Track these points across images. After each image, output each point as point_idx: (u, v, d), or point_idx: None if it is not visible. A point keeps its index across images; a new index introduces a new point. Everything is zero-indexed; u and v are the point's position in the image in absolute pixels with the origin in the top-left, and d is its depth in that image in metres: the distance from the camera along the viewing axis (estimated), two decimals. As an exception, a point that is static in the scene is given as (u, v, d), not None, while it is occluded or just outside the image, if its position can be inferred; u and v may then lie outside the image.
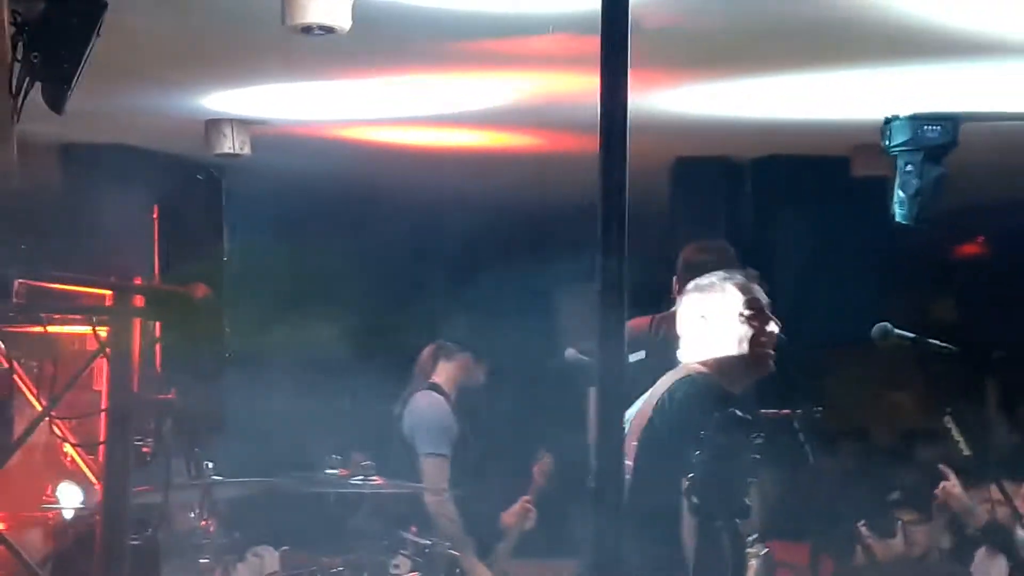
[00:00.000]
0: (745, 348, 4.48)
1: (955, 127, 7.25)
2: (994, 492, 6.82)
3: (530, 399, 7.65)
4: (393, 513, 7.38)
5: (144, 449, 6.47)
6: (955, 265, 10.46)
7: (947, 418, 6.52)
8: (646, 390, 4.55)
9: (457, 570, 7.17)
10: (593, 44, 2.49)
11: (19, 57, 4.42)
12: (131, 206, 7.57)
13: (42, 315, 4.93)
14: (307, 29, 5.06)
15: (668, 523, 4.22)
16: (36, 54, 4.45)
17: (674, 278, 6.17)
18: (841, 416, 7.32)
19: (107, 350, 4.62)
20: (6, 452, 4.82)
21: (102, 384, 5.56)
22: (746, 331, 4.47)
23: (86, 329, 5.12)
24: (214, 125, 7.59)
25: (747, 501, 4.26)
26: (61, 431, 5.49)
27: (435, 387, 7.53)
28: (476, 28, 5.73)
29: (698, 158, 8.49)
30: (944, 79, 6.57)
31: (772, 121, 7.58)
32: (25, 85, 4.44)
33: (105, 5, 4.59)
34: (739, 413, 4.27)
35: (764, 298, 4.55)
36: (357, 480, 6.80)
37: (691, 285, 4.70)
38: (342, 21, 5.04)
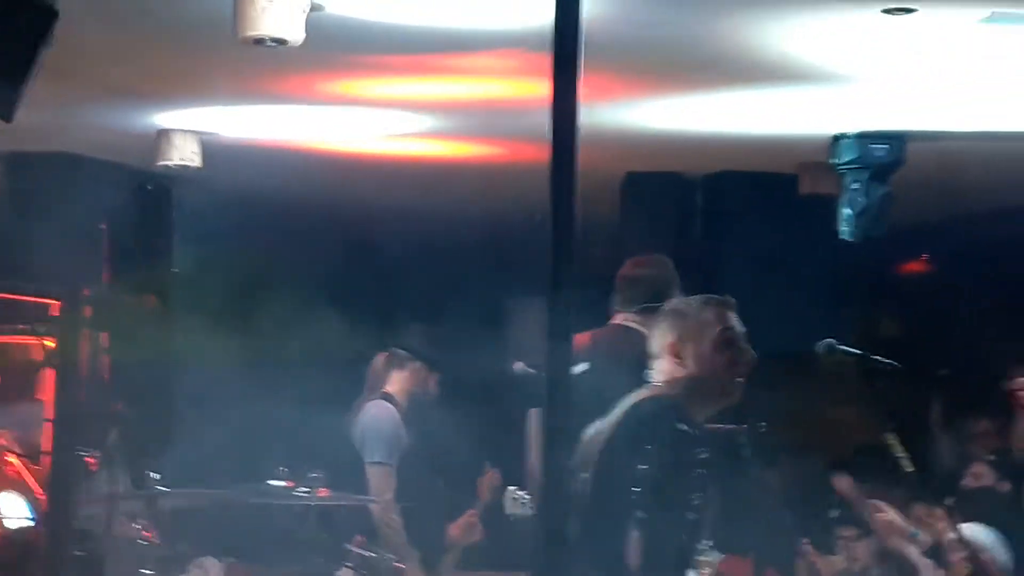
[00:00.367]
0: (717, 375, 4.46)
1: (902, 146, 7.32)
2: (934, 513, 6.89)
3: (479, 412, 7.65)
4: (339, 525, 7.36)
5: (89, 460, 6.45)
6: (900, 283, 10.54)
7: (890, 435, 6.56)
8: (589, 401, 4.54)
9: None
10: (545, 59, 2.51)
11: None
12: (79, 216, 7.54)
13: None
14: (259, 41, 5.04)
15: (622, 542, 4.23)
16: (-15, 63, 4.44)
17: (615, 298, 6.16)
18: (785, 431, 7.35)
19: (54, 360, 4.61)
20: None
21: (47, 394, 5.55)
22: (720, 358, 4.45)
23: (32, 339, 5.10)
24: (164, 136, 7.57)
25: (691, 515, 4.29)
26: (5, 441, 5.47)
27: (387, 396, 7.53)
28: (428, 42, 5.75)
29: (649, 173, 8.53)
30: (890, 97, 6.63)
31: (722, 137, 7.63)
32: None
33: (56, 15, 4.58)
34: (685, 428, 4.30)
35: (740, 326, 4.54)
36: (303, 491, 6.80)
37: (667, 307, 4.69)
38: (294, 34, 5.02)
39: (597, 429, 4.43)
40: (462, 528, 7.84)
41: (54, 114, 6.91)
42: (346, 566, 7.08)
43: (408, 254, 9.56)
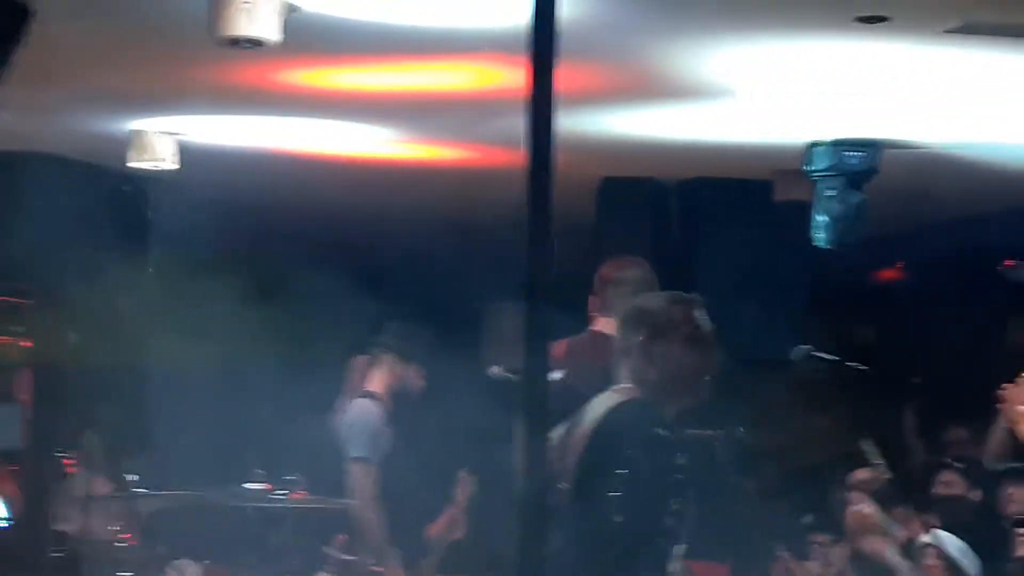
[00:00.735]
0: (686, 373, 4.47)
1: (876, 154, 7.35)
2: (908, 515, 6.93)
3: (458, 415, 7.65)
4: (316, 528, 7.36)
5: (66, 461, 6.44)
6: (874, 290, 10.58)
7: (866, 441, 6.59)
8: (563, 407, 4.54)
9: None
10: (521, 62, 2.52)
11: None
12: (56, 216, 7.53)
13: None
14: (235, 42, 5.04)
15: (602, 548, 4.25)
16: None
17: (592, 302, 6.17)
18: (762, 437, 7.38)
19: (30, 361, 4.61)
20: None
21: (24, 395, 5.54)
22: (688, 356, 4.46)
23: (8, 339, 5.09)
24: (140, 137, 7.57)
25: (669, 520, 4.31)
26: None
27: (370, 395, 7.53)
28: (404, 44, 5.75)
29: (624, 178, 8.55)
30: (864, 106, 6.67)
31: (697, 144, 7.66)
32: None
33: (30, 13, 4.57)
34: (662, 433, 4.31)
35: (708, 324, 4.55)
36: (280, 494, 6.80)
37: (634, 305, 4.69)
38: (271, 34, 5.02)
39: (567, 432, 4.43)
40: (443, 525, 7.84)
41: (30, 113, 6.90)
42: (324, 571, 7.08)
43: (384, 256, 9.57)
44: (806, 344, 6.66)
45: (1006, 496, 6.45)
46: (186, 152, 7.69)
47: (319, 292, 8.91)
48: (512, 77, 4.95)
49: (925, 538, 6.35)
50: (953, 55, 5.69)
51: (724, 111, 6.88)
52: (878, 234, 8.09)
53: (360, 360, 7.64)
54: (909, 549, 6.60)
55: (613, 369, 4.59)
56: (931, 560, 6.29)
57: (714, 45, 5.74)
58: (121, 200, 8.25)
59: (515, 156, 2.58)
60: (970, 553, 6.28)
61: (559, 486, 4.28)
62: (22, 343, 4.69)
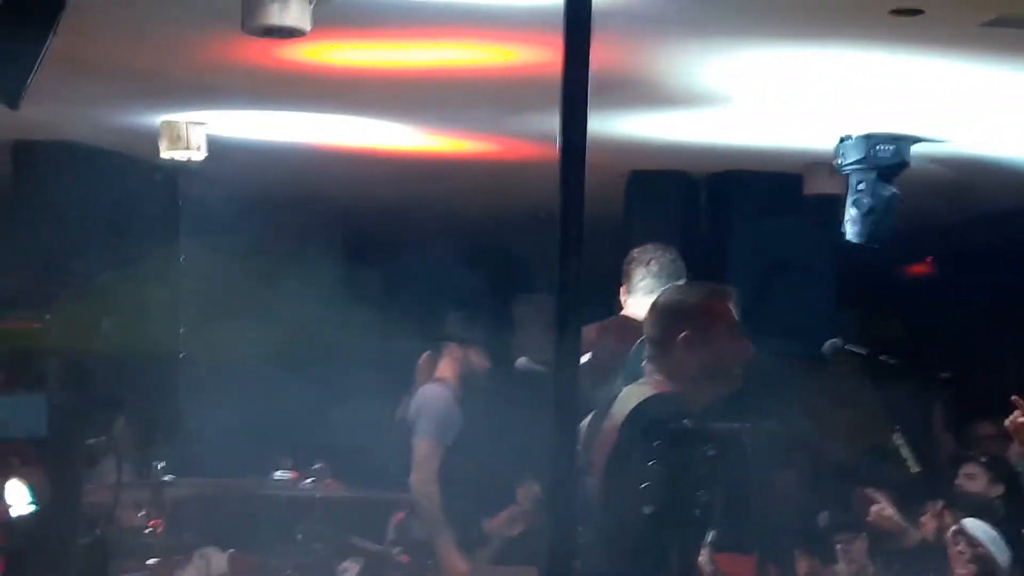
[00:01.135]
0: (716, 363, 4.47)
1: (907, 148, 7.32)
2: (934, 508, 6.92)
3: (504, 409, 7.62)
4: (343, 518, 7.37)
5: (94, 448, 6.46)
6: (904, 285, 10.54)
7: (896, 435, 6.58)
8: (590, 393, 4.54)
9: (429, 561, 7.16)
10: (557, 46, 2.51)
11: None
12: (86, 205, 7.56)
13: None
14: (267, 32, 5.05)
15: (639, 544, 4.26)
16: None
17: (622, 287, 6.20)
18: (791, 431, 7.36)
19: (59, 347, 4.62)
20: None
21: (53, 382, 5.55)
22: (718, 346, 4.46)
23: (37, 325, 5.10)
24: (170, 126, 7.58)
25: (698, 512, 4.31)
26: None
27: (440, 380, 7.55)
28: (440, 25, 5.72)
29: (654, 171, 8.54)
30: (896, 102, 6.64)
31: (728, 145, 7.64)
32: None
33: (63, 4, 4.58)
34: (692, 426, 4.31)
35: (736, 315, 4.55)
36: (308, 484, 6.82)
37: (674, 299, 4.69)
38: (302, 24, 5.02)
39: (596, 425, 4.44)
40: (503, 521, 7.83)
41: (61, 103, 6.92)
42: (350, 560, 7.09)
43: (412, 248, 9.56)
44: (836, 337, 6.63)
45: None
46: (217, 142, 7.70)
47: (347, 281, 8.93)
48: (548, 66, 4.93)
49: (955, 525, 6.36)
50: (988, 48, 5.66)
51: (755, 111, 6.85)
52: (909, 228, 8.06)
53: (424, 356, 7.68)
54: (938, 539, 6.60)
55: (640, 355, 4.59)
56: (960, 547, 6.29)
57: (745, 45, 5.72)
58: (152, 188, 8.28)
59: (544, 151, 2.57)
60: (1000, 542, 6.27)
61: (586, 478, 4.29)
62: (52, 330, 4.70)
